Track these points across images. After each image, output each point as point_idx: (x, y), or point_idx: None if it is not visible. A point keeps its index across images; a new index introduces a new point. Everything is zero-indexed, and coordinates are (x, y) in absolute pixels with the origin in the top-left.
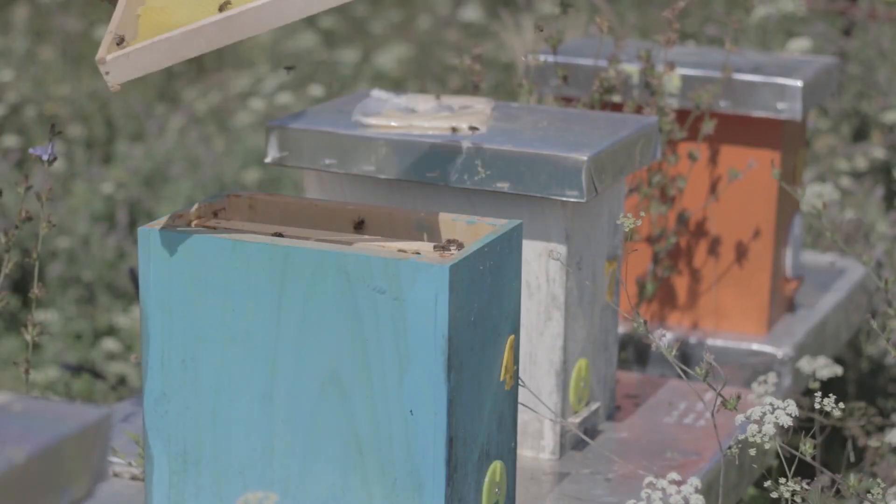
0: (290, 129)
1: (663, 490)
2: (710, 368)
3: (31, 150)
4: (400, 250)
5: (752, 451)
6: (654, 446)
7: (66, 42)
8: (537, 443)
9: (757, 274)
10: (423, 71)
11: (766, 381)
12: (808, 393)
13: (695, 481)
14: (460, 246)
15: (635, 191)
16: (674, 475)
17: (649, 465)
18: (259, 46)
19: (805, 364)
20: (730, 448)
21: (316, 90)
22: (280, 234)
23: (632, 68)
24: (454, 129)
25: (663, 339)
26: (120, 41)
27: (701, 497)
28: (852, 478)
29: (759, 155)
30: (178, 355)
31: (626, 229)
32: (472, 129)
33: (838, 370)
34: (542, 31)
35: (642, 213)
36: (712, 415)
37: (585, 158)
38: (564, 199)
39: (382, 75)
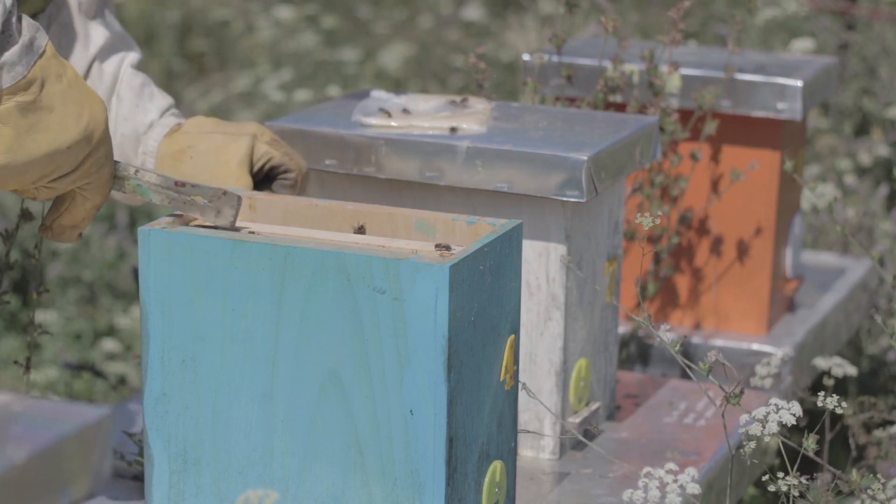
0: (289, 129)
1: (660, 479)
2: (716, 364)
3: None
4: (400, 250)
5: (752, 444)
6: (654, 446)
7: None
8: (537, 443)
9: (757, 274)
10: (424, 70)
11: (769, 364)
12: (811, 391)
13: (692, 471)
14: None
15: (637, 191)
16: (672, 465)
17: (649, 465)
18: (260, 46)
19: (821, 362)
20: (739, 448)
21: (333, 91)
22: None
23: (635, 68)
24: (454, 129)
25: (668, 333)
26: None
27: (697, 485)
28: (855, 473)
29: (760, 155)
30: (178, 355)
31: (647, 227)
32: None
33: (851, 370)
34: (560, 38)
35: (659, 213)
36: (719, 406)
37: (585, 158)
38: (564, 199)
39: (384, 75)
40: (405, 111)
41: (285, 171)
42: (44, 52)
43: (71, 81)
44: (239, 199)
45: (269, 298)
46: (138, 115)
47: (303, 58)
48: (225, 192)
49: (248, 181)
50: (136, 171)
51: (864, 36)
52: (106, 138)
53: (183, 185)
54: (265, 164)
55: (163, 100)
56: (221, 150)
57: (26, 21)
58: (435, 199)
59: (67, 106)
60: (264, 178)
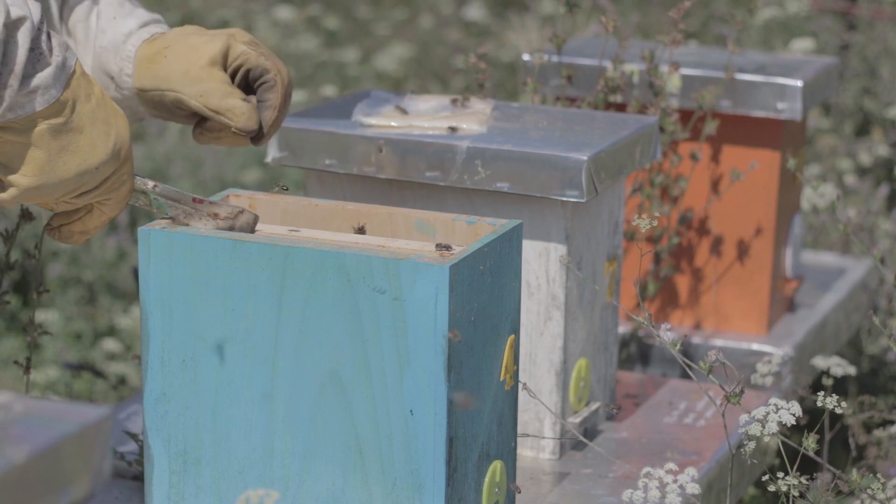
0: (290, 128)
1: (660, 479)
2: (716, 364)
3: None
4: (400, 250)
5: (752, 445)
6: (654, 446)
7: None
8: (537, 443)
9: (757, 274)
10: (425, 71)
11: (769, 362)
12: (811, 391)
13: (692, 471)
14: (448, 248)
15: (638, 191)
16: (671, 465)
17: (649, 465)
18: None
19: (820, 361)
20: (739, 448)
21: (329, 90)
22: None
23: (635, 68)
24: (454, 129)
25: (668, 333)
26: None
27: (697, 485)
28: (855, 473)
29: (759, 155)
30: (178, 355)
31: (644, 230)
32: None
33: (851, 370)
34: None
35: (657, 214)
36: (719, 406)
37: (585, 158)
38: (564, 199)
39: (384, 75)
40: (405, 111)
41: (263, 75)
42: (73, 71)
43: (98, 100)
44: (256, 216)
45: (269, 298)
46: (117, 26)
47: (303, 58)
48: (242, 211)
49: (222, 76)
50: (155, 185)
51: (865, 36)
52: (130, 155)
53: (200, 201)
54: (241, 66)
55: (147, 15)
56: (195, 49)
57: (56, 39)
58: (435, 199)
59: (96, 126)
60: (247, 89)
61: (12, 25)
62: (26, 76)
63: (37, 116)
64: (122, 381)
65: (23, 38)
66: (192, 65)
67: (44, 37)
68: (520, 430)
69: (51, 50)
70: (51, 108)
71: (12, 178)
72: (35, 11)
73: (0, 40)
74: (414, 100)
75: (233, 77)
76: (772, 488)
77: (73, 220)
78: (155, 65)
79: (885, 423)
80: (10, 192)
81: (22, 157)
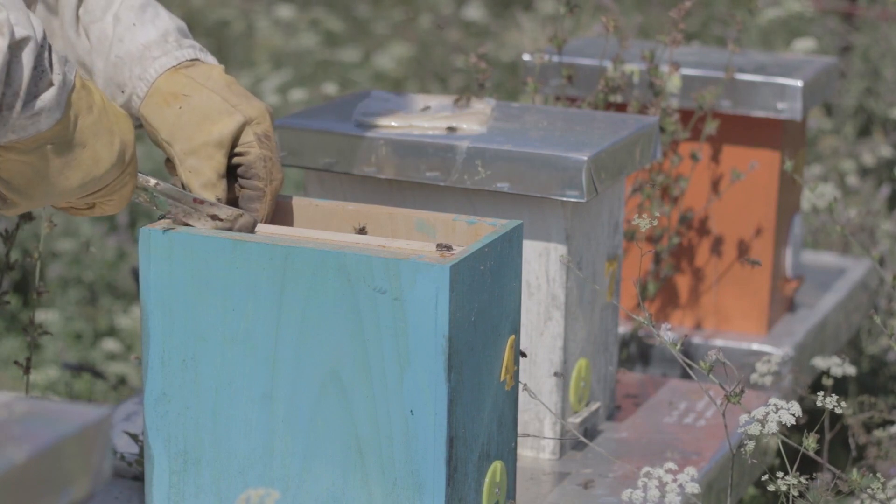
0: (289, 128)
1: (659, 479)
2: (716, 364)
3: None
4: (400, 250)
5: (752, 445)
6: (654, 446)
7: None
8: (537, 443)
9: (757, 274)
10: (424, 70)
11: (769, 361)
12: (811, 391)
13: (691, 471)
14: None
15: (638, 191)
16: (671, 465)
17: (649, 465)
18: (260, 46)
19: (820, 361)
20: (740, 448)
21: (329, 88)
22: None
23: (635, 68)
24: (453, 129)
25: (668, 332)
26: None
27: (696, 485)
28: (855, 473)
29: (760, 155)
30: (179, 355)
31: (644, 229)
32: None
33: (851, 370)
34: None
35: (656, 213)
36: (720, 406)
37: (585, 158)
38: (564, 199)
39: (383, 75)
40: (405, 111)
41: (253, 178)
42: (73, 86)
43: (99, 109)
44: (255, 220)
45: (270, 298)
46: (135, 35)
47: (303, 58)
48: (242, 214)
49: (219, 163)
50: (157, 183)
51: (869, 37)
52: (134, 155)
53: (201, 202)
54: (240, 155)
55: (169, 20)
56: (208, 117)
57: (56, 55)
58: (435, 199)
59: (99, 137)
60: (232, 173)
61: (17, 46)
62: (30, 97)
63: (40, 137)
64: (122, 381)
65: (27, 58)
66: (198, 136)
67: (46, 53)
68: (520, 430)
69: (51, 66)
70: (54, 128)
71: (15, 195)
72: (38, 28)
73: (5, 61)
74: (414, 99)
75: (230, 155)
76: (772, 488)
77: (71, 210)
78: (167, 108)
79: (885, 423)
80: (14, 208)
81: (25, 174)
